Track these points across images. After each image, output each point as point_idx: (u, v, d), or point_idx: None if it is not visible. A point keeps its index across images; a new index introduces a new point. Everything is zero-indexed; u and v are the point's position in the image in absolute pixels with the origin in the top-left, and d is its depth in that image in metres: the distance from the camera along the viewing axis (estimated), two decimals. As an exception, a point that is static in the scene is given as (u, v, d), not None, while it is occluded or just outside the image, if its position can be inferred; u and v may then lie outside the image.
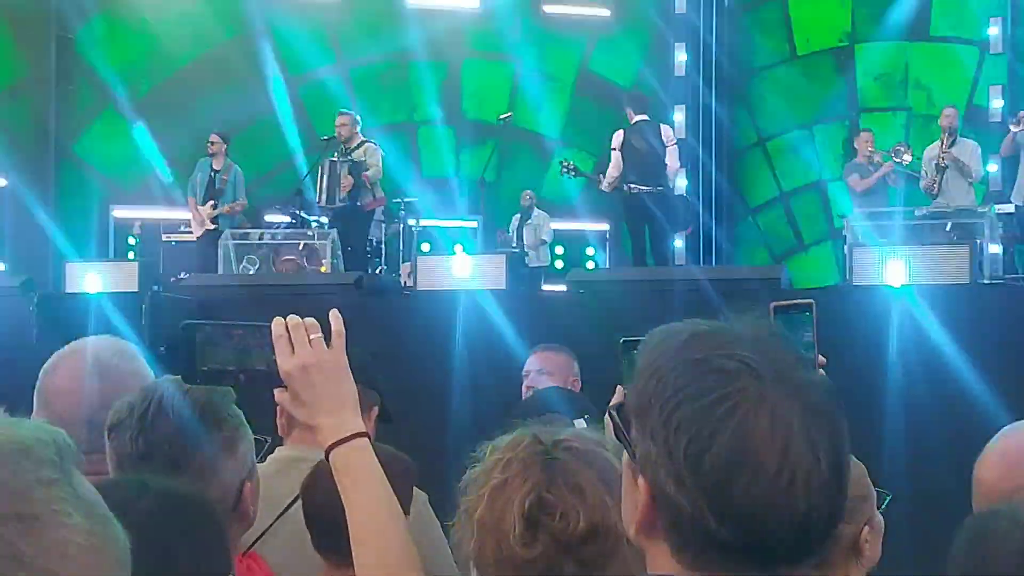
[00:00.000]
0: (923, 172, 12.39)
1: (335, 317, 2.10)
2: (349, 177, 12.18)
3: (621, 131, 11.71)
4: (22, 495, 1.17)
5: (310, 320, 2.08)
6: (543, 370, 5.27)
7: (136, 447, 2.33)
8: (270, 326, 2.06)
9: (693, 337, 1.43)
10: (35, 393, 2.71)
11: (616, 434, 1.48)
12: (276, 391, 2.07)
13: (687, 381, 1.38)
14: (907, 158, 12.75)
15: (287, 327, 2.06)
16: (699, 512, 1.36)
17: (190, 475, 2.33)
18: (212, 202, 13.16)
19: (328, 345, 2.07)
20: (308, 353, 2.05)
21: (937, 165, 12.18)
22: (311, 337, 2.06)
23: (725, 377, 1.37)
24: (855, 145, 13.70)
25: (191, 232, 13.51)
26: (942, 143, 12.24)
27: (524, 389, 5.28)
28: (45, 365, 2.74)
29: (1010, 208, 12.97)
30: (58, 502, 1.19)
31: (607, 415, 1.53)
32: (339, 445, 2.05)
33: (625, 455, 1.47)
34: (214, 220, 13.14)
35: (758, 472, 1.34)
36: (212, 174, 13.27)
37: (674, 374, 1.39)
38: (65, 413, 2.58)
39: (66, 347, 2.79)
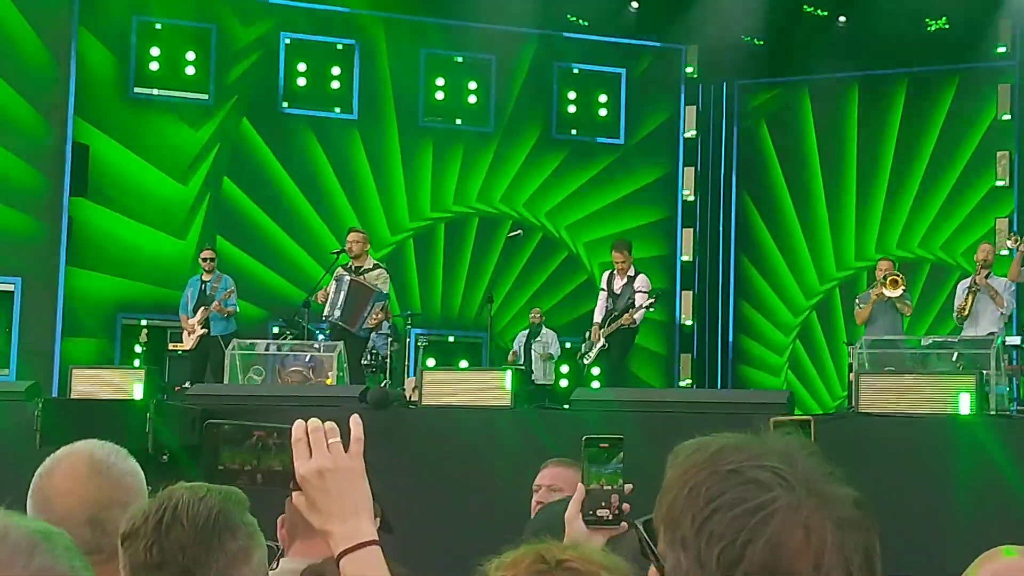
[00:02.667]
0: (956, 298, 12.46)
1: (355, 422, 2.09)
2: (382, 314, 12.33)
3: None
4: None
5: (330, 424, 2.06)
6: (554, 486, 5.17)
7: (151, 556, 2.30)
8: (290, 428, 2.05)
9: (724, 449, 1.42)
10: (30, 496, 2.67)
11: (642, 546, 1.47)
12: (293, 494, 2.05)
13: (720, 491, 1.37)
14: (889, 293, 12.71)
15: (307, 430, 2.05)
16: None
17: None
18: (203, 307, 13.35)
19: (346, 450, 2.06)
20: (325, 458, 2.03)
21: (970, 288, 12.22)
22: (329, 441, 2.04)
23: (758, 487, 1.37)
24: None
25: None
26: (977, 273, 12.30)
27: (534, 504, 5.20)
28: (40, 468, 2.71)
29: (1017, 340, 12.97)
30: None
31: (633, 527, 1.52)
32: (351, 552, 2.03)
33: (652, 568, 1.46)
34: (204, 324, 13.30)
35: None
36: (202, 286, 13.51)
37: (706, 485, 1.39)
38: (66, 514, 2.56)
39: (60, 450, 2.77)
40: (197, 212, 16.89)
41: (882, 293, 12.81)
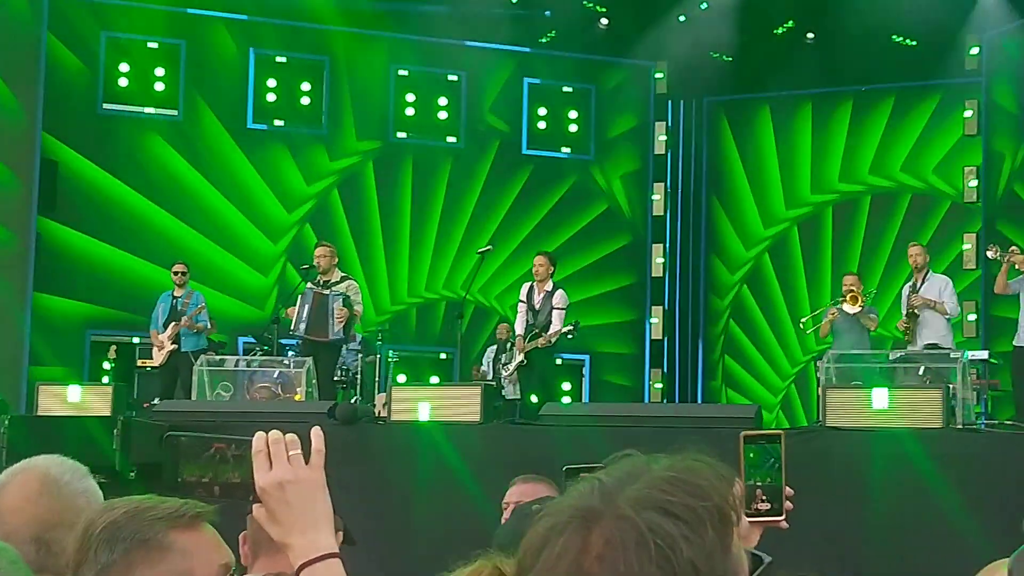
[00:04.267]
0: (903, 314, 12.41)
1: (316, 435, 2.08)
2: (344, 309, 12.21)
3: None
4: None
5: (291, 436, 2.05)
6: (523, 501, 5.22)
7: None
8: (250, 440, 2.04)
9: (614, 463, 1.46)
10: None
11: None
12: (254, 507, 2.04)
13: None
14: (849, 309, 12.73)
15: (267, 442, 2.04)
16: None
17: None
18: (173, 323, 13.31)
19: (307, 462, 2.05)
20: (286, 470, 2.02)
21: (910, 313, 12.17)
22: (290, 453, 2.04)
23: (564, 499, 1.42)
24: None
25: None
26: (913, 284, 12.26)
27: (503, 520, 5.22)
28: None
29: (983, 355, 13.00)
30: None
31: None
32: (310, 564, 2.02)
33: None
34: (174, 340, 13.25)
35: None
36: (173, 301, 13.47)
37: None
38: (13, 531, 2.54)
39: (17, 464, 2.74)
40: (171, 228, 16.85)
41: (842, 309, 12.85)
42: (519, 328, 12.57)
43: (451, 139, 18.06)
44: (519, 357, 12.46)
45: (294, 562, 2.03)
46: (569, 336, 12.46)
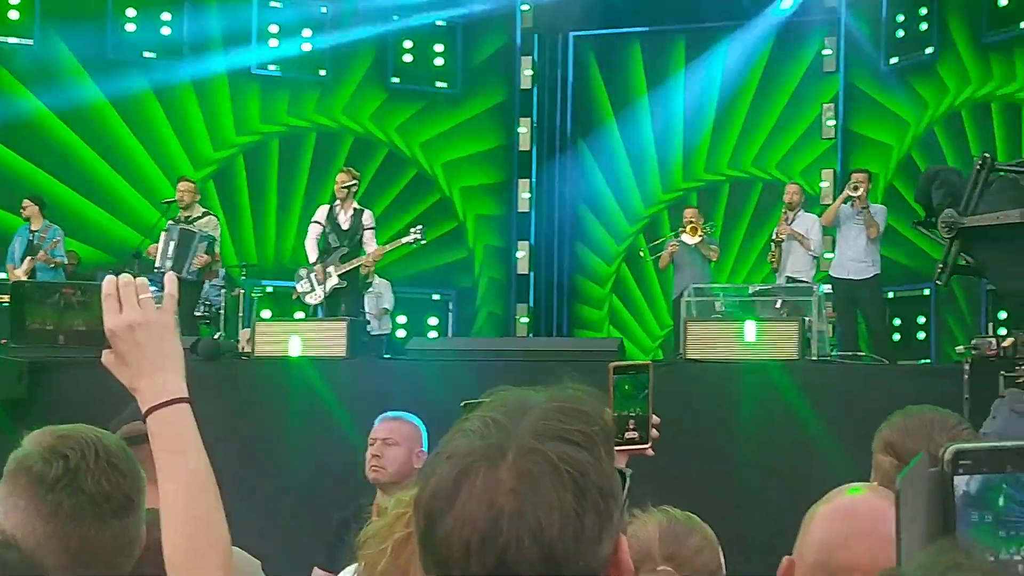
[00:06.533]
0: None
1: (170, 280, 2.08)
2: (207, 256, 12.18)
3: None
4: None
5: (141, 280, 2.04)
6: (389, 439, 5.26)
7: (101, 489, 2.19)
8: (97, 285, 2.02)
9: (492, 399, 1.48)
10: None
11: None
12: (103, 352, 2.00)
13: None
14: (688, 240, 12.95)
15: (117, 286, 2.01)
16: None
17: (139, 515, 2.26)
18: (29, 257, 13.11)
19: (158, 307, 2.03)
20: (135, 312, 2.00)
21: (774, 241, 12.44)
22: (140, 297, 2.01)
23: (463, 440, 1.43)
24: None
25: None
26: (784, 219, 12.51)
27: (368, 456, 5.27)
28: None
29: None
30: None
31: None
32: (158, 409, 1.99)
33: None
34: (30, 275, 13.06)
35: (437, 512, 1.39)
36: (31, 235, 13.29)
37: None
38: None
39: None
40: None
41: (681, 240, 13.05)
42: (312, 252, 11.93)
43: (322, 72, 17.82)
44: (334, 281, 11.76)
45: (143, 407, 2.00)
46: (414, 244, 12.17)
